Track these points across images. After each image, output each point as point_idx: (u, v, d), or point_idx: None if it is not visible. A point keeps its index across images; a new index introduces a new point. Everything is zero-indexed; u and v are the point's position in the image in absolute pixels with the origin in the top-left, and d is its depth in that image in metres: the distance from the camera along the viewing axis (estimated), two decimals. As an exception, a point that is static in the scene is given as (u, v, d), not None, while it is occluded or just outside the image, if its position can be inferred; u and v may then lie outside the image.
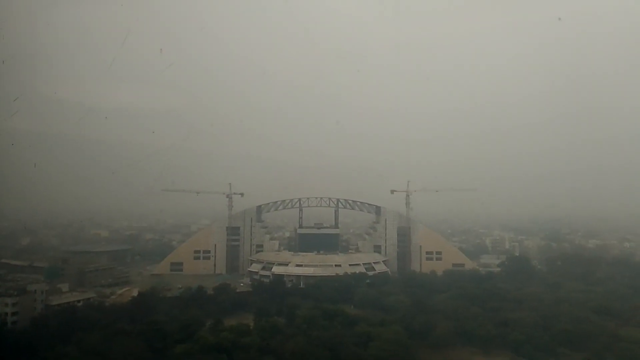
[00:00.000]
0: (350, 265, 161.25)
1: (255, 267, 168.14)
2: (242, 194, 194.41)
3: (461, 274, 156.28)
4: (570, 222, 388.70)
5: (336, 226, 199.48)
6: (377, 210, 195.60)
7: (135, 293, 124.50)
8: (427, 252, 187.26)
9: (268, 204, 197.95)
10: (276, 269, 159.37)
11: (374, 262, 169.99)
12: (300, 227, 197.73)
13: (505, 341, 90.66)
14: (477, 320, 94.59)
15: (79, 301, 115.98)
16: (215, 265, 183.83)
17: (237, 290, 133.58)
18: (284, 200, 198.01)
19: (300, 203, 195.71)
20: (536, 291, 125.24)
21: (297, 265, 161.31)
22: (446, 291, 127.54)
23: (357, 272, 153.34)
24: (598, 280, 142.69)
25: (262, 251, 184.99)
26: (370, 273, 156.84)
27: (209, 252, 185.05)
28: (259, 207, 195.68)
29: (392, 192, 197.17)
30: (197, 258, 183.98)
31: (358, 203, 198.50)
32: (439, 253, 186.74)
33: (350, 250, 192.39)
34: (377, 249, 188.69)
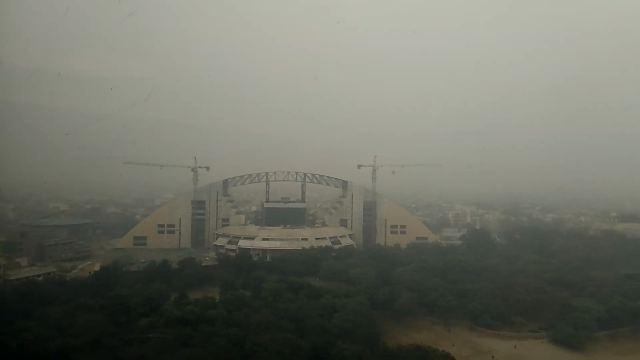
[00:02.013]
0: (316, 239, 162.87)
1: (221, 241, 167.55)
2: (207, 168, 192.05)
3: (424, 247, 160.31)
4: (529, 196, 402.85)
5: (303, 200, 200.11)
6: (344, 184, 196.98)
7: (97, 267, 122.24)
8: (392, 226, 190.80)
9: (234, 178, 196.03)
10: (242, 243, 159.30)
11: (340, 236, 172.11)
12: (267, 201, 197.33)
13: (464, 311, 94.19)
14: (438, 291, 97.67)
15: (38, 276, 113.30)
16: (180, 239, 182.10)
17: (203, 264, 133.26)
18: (251, 175, 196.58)
19: (267, 177, 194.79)
20: (495, 263, 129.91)
21: (264, 239, 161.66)
22: (409, 263, 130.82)
23: (323, 245, 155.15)
24: (553, 253, 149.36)
25: (228, 225, 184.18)
26: (336, 246, 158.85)
27: (173, 226, 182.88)
28: (225, 181, 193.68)
29: (359, 166, 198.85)
30: (162, 232, 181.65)
31: (325, 177, 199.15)
32: (403, 227, 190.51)
33: (316, 224, 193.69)
34: (343, 223, 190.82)
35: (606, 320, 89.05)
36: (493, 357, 74.91)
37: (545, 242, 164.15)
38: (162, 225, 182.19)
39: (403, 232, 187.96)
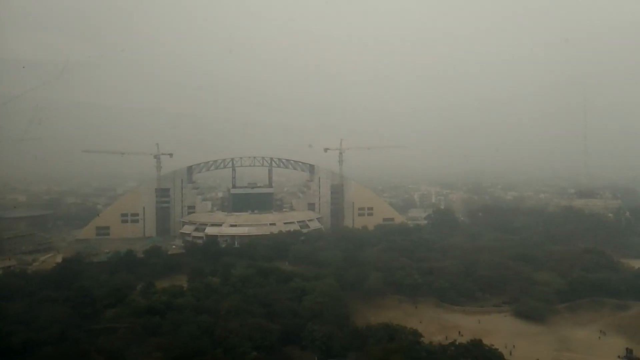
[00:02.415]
0: (284, 223, 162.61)
1: (187, 229, 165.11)
2: (170, 155, 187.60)
3: (391, 228, 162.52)
4: (492, 175, 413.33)
5: (270, 185, 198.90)
6: (311, 168, 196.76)
7: (59, 259, 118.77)
8: (360, 208, 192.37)
9: (199, 164, 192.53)
10: (209, 230, 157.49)
11: (308, 220, 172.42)
12: (234, 187, 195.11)
13: (430, 289, 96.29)
14: (406, 270, 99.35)
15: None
16: (144, 228, 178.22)
17: (169, 253, 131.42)
18: (216, 161, 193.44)
19: (232, 163, 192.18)
20: (459, 241, 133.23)
21: (231, 226, 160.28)
22: (377, 244, 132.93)
23: (292, 229, 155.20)
24: (515, 229, 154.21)
25: (194, 212, 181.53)
26: (305, 230, 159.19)
27: (137, 215, 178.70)
28: (189, 168, 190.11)
29: (326, 150, 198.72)
30: (125, 221, 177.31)
31: (292, 162, 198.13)
32: (370, 209, 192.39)
33: (284, 209, 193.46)
34: (311, 206, 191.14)
35: (566, 292, 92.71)
36: (460, 332, 76.83)
37: (507, 219, 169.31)
38: (126, 215, 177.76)
39: (370, 214, 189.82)
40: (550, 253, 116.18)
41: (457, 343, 63.12)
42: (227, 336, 65.97)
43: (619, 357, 70.60)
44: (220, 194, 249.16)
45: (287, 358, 67.43)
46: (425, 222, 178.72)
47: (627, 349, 72.72)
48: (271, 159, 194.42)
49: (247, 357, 58.41)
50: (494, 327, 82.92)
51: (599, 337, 78.59)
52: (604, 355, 70.85)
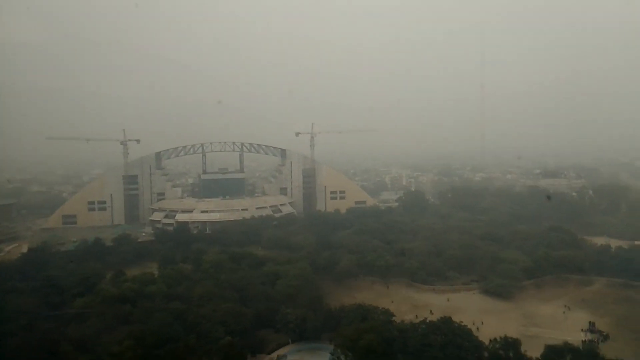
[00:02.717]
0: (256, 208, 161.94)
1: (157, 216, 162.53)
2: (138, 141, 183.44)
3: (363, 211, 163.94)
4: (461, 157, 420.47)
5: (241, 170, 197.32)
6: (282, 153, 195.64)
7: (24, 249, 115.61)
8: (332, 192, 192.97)
9: (168, 150, 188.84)
10: (180, 217, 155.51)
11: (280, 204, 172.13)
12: (204, 172, 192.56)
13: (402, 269, 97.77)
14: (377, 252, 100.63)
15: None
16: (112, 216, 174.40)
17: (139, 240, 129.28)
18: (185, 146, 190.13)
19: (202, 148, 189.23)
20: (429, 222, 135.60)
21: (202, 212, 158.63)
22: (349, 227, 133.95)
23: (264, 214, 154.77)
24: (483, 210, 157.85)
25: (164, 199, 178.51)
26: (277, 215, 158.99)
27: (104, 202, 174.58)
28: (158, 154, 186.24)
29: (297, 134, 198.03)
30: (92, 209, 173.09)
31: (263, 146, 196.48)
32: (342, 192, 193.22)
33: (256, 194, 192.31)
34: (283, 191, 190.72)
35: (532, 269, 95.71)
36: (431, 311, 78.34)
37: (476, 200, 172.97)
38: (93, 202, 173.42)
39: (342, 198, 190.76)
40: (517, 232, 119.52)
41: (427, 321, 64.44)
42: (199, 322, 65.71)
43: (582, 330, 73.47)
44: (190, 180, 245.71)
45: (261, 341, 67.74)
46: (397, 204, 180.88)
47: (590, 322, 75.86)
48: (242, 144, 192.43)
49: (221, 342, 58.26)
50: (463, 304, 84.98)
51: (564, 312, 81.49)
52: (568, 329, 73.52)
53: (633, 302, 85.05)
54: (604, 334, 71.64)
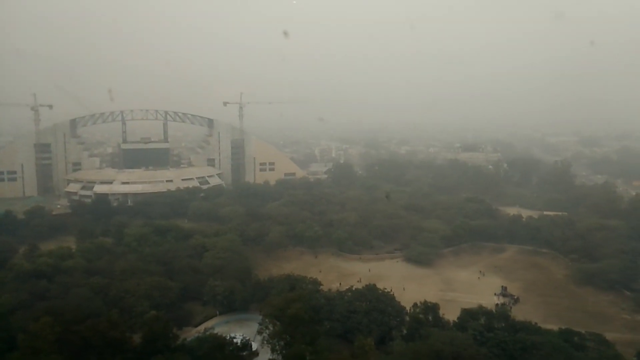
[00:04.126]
0: (182, 180, 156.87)
1: (73, 187, 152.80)
2: (50, 106, 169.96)
3: (292, 182, 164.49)
4: (388, 131, 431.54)
5: (165, 140, 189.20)
6: (210, 123, 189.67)
7: None
8: (261, 164, 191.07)
9: (84, 117, 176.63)
10: (98, 188, 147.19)
11: (207, 176, 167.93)
12: (125, 142, 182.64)
13: (330, 240, 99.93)
14: (306, 223, 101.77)
15: None
16: (24, 187, 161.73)
17: (54, 213, 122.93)
18: (103, 113, 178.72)
19: (122, 116, 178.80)
20: (357, 193, 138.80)
21: (123, 183, 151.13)
22: (279, 199, 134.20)
23: (191, 186, 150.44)
24: (407, 181, 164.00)
25: (80, 169, 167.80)
26: (204, 187, 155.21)
27: (15, 172, 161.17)
28: (72, 121, 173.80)
29: (225, 104, 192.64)
30: (1, 180, 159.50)
31: (189, 116, 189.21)
32: (272, 164, 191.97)
33: (182, 165, 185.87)
34: (210, 162, 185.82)
35: (451, 238, 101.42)
36: (359, 279, 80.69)
37: (401, 172, 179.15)
38: (2, 173, 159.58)
39: (272, 169, 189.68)
40: (438, 202, 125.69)
41: (353, 289, 66.46)
42: (123, 296, 63.55)
43: (495, 294, 79.30)
44: (109, 150, 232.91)
45: (188, 314, 66.70)
46: (326, 176, 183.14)
47: (502, 286, 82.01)
48: (166, 112, 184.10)
49: (146, 316, 56.54)
50: (387, 272, 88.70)
51: (478, 278, 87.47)
52: (483, 293, 79.00)
53: (541, 267, 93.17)
54: (515, 297, 77.96)
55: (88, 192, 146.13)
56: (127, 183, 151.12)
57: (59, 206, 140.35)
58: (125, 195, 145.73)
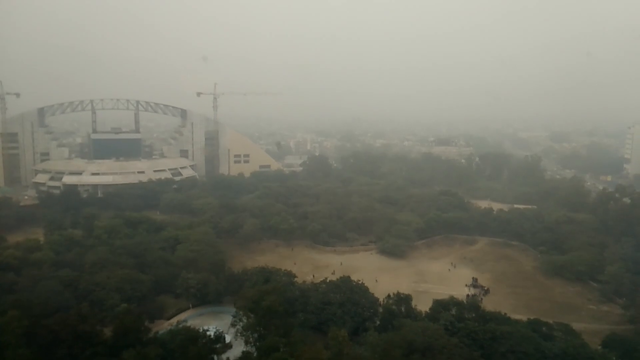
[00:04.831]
0: (154, 171, 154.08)
1: (41, 178, 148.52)
2: (17, 94, 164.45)
3: (267, 175, 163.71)
4: (363, 124, 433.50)
5: (137, 131, 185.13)
6: (183, 113, 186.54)
7: None
8: (236, 155, 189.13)
9: (52, 106, 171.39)
10: (67, 179, 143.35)
11: (180, 167, 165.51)
12: (95, 132, 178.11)
13: (304, 232, 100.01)
14: (281, 216, 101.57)
15: None
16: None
17: (21, 204, 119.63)
18: (72, 102, 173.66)
19: (92, 105, 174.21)
20: (332, 186, 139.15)
21: (93, 174, 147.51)
22: (253, 191, 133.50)
23: (163, 178, 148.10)
24: (382, 174, 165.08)
25: (48, 160, 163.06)
26: (177, 178, 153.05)
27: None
28: (40, 110, 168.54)
29: (199, 94, 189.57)
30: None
31: (161, 106, 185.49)
32: (246, 156, 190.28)
33: (154, 156, 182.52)
34: (183, 153, 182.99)
35: (423, 230, 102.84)
36: (333, 272, 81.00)
37: (375, 165, 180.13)
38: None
39: (247, 161, 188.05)
40: (411, 195, 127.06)
41: (327, 281, 66.76)
42: (93, 290, 62.52)
43: (466, 285, 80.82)
44: (79, 140, 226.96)
45: (161, 307, 65.87)
46: (301, 168, 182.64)
47: (473, 278, 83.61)
48: (137, 102, 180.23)
49: (116, 310, 55.71)
50: (362, 264, 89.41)
51: (449, 270, 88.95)
52: (454, 284, 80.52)
53: (511, 259, 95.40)
54: (485, 288, 79.65)
55: (57, 183, 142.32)
56: (97, 174, 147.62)
57: (26, 197, 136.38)
58: (95, 186, 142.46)
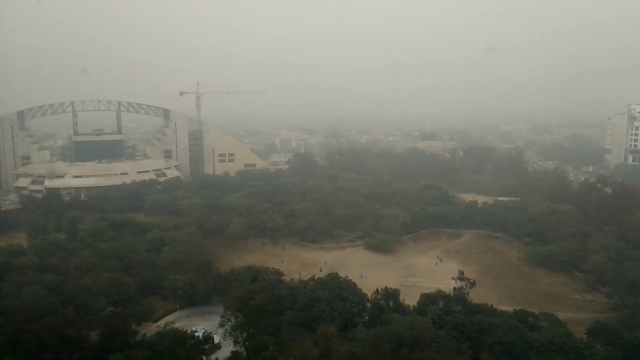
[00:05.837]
0: (138, 172, 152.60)
1: (22, 182, 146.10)
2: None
3: (253, 173, 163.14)
4: (348, 120, 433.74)
5: (119, 132, 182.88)
6: (166, 113, 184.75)
7: None
8: (220, 155, 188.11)
9: (32, 108, 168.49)
10: (49, 182, 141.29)
11: (164, 168, 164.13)
12: (76, 134, 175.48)
13: (291, 230, 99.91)
14: (268, 214, 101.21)
15: None
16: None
17: (3, 209, 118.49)
18: (52, 104, 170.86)
19: (73, 107, 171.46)
20: (318, 183, 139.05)
21: (76, 177, 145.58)
22: (239, 190, 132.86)
23: (147, 179, 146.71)
24: (367, 170, 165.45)
25: (29, 163, 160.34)
26: (162, 179, 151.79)
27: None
28: (20, 113, 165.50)
29: (181, 94, 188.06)
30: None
31: (143, 106, 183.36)
32: (231, 155, 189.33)
33: (137, 157, 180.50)
34: (167, 154, 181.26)
35: (410, 225, 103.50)
36: (321, 269, 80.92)
37: (361, 161, 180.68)
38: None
39: (232, 160, 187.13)
40: (397, 190, 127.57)
41: (315, 278, 66.82)
42: (78, 294, 61.89)
43: (453, 278, 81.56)
44: (60, 142, 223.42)
45: (147, 310, 65.32)
46: (286, 166, 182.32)
47: (459, 271, 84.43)
48: (119, 102, 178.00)
49: (102, 313, 55.11)
50: (349, 260, 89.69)
51: (436, 263, 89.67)
52: (441, 278, 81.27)
53: (496, 251, 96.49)
54: (472, 280, 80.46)
55: (39, 187, 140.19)
56: (80, 177, 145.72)
57: (8, 202, 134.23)
58: (78, 189, 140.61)
